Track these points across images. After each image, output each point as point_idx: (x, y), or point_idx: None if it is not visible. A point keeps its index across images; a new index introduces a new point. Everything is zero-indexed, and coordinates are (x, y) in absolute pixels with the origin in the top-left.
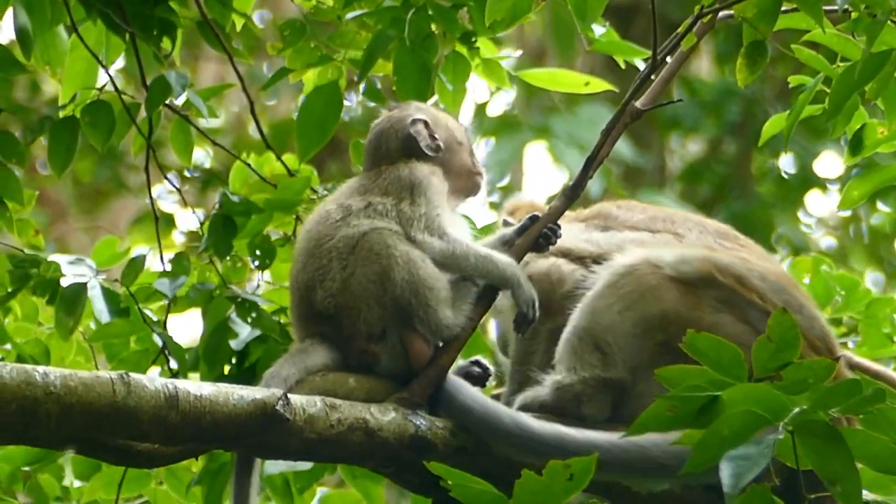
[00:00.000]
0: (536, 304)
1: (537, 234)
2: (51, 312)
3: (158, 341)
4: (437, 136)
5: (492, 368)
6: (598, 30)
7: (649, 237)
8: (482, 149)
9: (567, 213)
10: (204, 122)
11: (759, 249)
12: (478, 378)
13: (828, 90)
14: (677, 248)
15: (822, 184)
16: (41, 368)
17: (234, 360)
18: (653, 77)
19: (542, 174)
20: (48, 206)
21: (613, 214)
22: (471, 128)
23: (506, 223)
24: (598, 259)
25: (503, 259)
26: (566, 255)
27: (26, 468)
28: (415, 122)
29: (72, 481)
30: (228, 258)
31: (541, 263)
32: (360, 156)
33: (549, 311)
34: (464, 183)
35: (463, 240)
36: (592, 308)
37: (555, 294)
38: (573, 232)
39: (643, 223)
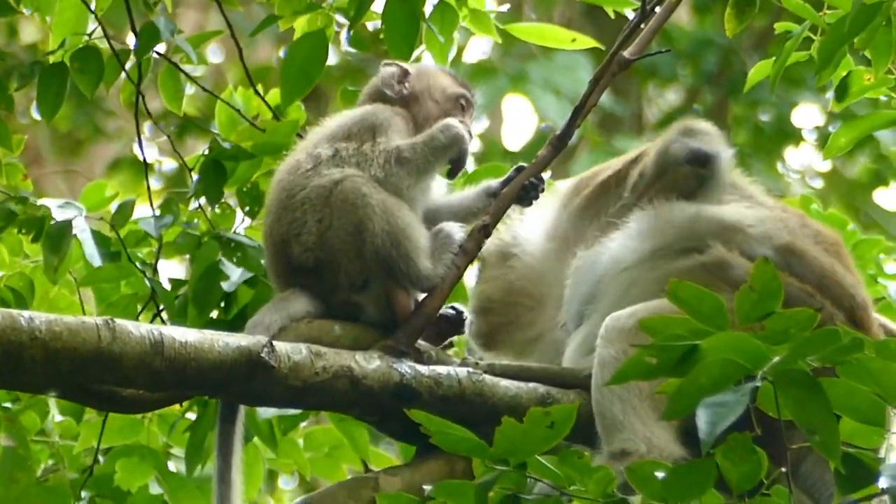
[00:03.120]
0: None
1: (521, 185)
2: (38, 247)
3: (148, 285)
4: (408, 83)
5: (466, 313)
6: None
7: None
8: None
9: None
10: (189, 69)
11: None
12: (452, 320)
13: (814, 37)
14: None
15: (798, 135)
16: (26, 313)
17: (222, 305)
18: (641, 27)
19: (521, 121)
20: (24, 150)
21: None
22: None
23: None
24: None
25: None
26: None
27: (7, 405)
28: (388, 65)
29: (53, 416)
30: (216, 206)
31: None
32: (347, 102)
33: None
34: None
35: (407, 143)
36: None
37: None
38: None
39: None
